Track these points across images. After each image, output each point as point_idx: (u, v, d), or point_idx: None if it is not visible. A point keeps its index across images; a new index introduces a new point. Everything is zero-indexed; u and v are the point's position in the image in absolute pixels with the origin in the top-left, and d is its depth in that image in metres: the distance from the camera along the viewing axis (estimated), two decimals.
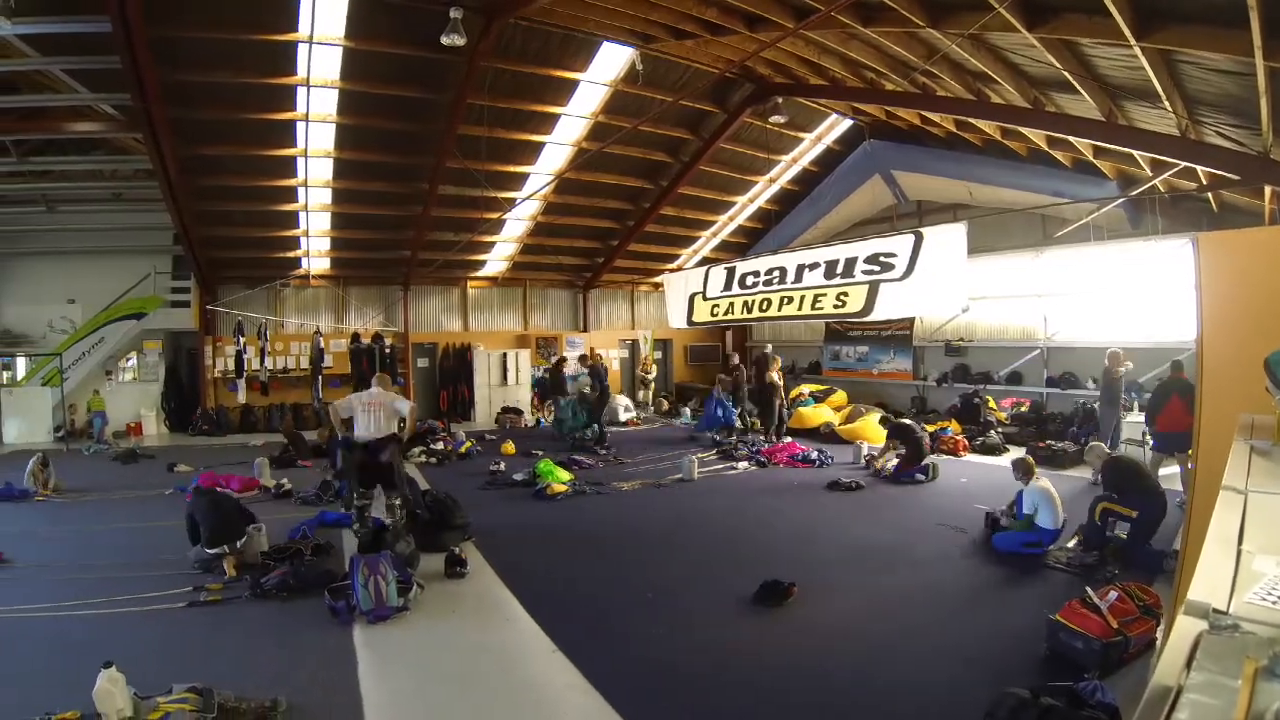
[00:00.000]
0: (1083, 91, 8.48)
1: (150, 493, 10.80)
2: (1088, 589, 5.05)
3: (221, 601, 6.29)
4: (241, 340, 16.92)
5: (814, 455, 12.61)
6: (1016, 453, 12.52)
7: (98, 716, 4.01)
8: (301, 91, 12.13)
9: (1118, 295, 13.36)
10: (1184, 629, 1.33)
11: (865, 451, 12.49)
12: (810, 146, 16.62)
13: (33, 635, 5.72)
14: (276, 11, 10.51)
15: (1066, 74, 8.13)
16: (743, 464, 12.53)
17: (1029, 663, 4.84)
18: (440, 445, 14.01)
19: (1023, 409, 14.72)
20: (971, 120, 11.76)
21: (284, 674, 4.84)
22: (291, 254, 17.81)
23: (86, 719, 4.10)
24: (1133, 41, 6.55)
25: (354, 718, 4.34)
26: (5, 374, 17.11)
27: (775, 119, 13.75)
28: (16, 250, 17.14)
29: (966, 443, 13.27)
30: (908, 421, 12.28)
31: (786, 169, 17.42)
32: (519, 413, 19.13)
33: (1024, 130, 11.18)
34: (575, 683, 4.78)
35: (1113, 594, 5.00)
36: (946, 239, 7.35)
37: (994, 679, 4.45)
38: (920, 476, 10.81)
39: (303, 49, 11.16)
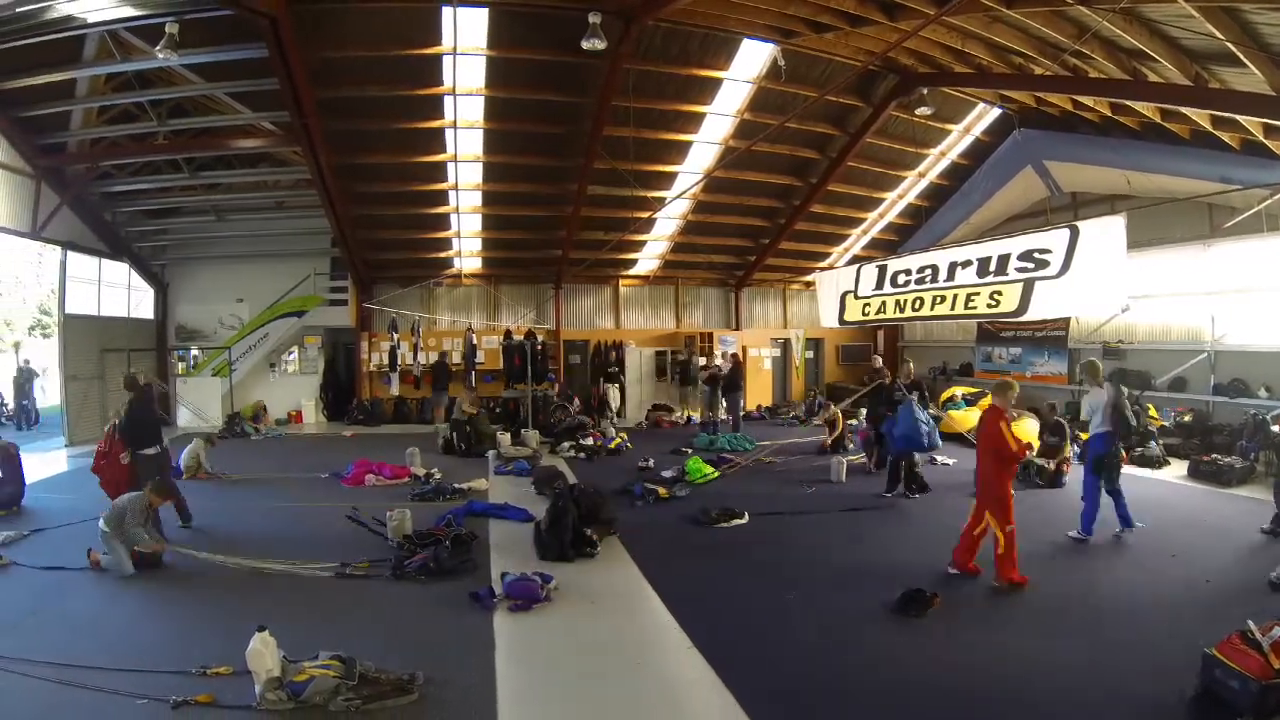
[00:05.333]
0: (1248, 64, 7.84)
1: (305, 476, 11.68)
2: (1250, 623, 4.56)
3: (366, 577, 6.78)
4: (395, 335, 18.20)
5: None
6: (1179, 466, 11.66)
7: (248, 673, 4.40)
8: (449, 100, 12.77)
9: None
10: None
11: None
12: (959, 139, 16.01)
13: (195, 595, 6.40)
14: (421, 27, 11.16)
15: (1229, 45, 7.57)
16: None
17: (1179, 698, 4.47)
18: (590, 441, 14.35)
19: (1185, 419, 13.53)
20: (1127, 102, 11.02)
21: (422, 650, 5.15)
22: (443, 254, 18.77)
23: (238, 675, 4.53)
24: None
25: (488, 697, 4.55)
26: (181, 365, 18.95)
27: (921, 110, 13.35)
28: (191, 255, 19.12)
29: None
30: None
31: (935, 163, 16.84)
32: (669, 410, 19.24)
33: (1185, 110, 10.37)
34: (707, 680, 4.84)
35: (1277, 630, 4.46)
36: (1104, 233, 6.93)
37: (1140, 714, 4.24)
38: None
39: (447, 60, 11.75)
